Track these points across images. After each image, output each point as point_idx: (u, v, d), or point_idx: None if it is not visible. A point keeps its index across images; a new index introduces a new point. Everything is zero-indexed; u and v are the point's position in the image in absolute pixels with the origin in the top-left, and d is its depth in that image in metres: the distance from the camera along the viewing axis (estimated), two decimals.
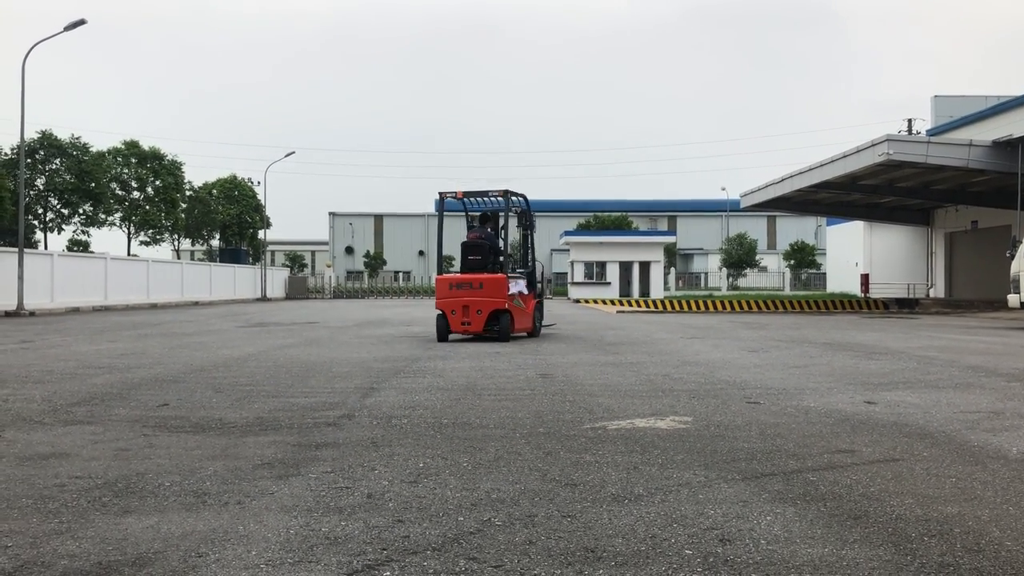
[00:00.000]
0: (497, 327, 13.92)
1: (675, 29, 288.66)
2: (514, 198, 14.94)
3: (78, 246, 46.71)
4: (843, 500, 3.70)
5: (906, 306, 32.58)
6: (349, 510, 3.54)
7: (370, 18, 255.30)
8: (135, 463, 4.46)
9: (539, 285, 15.73)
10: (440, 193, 14.61)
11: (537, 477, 4.12)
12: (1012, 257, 19.47)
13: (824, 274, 56.44)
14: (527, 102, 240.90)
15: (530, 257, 15.81)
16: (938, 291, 37.06)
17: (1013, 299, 19.28)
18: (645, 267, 44.62)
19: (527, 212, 15.47)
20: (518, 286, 14.53)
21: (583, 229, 61.81)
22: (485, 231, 14.74)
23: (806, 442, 5.02)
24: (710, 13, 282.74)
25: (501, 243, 14.68)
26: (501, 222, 14.76)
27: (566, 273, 58.56)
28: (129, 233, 48.66)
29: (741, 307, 31.76)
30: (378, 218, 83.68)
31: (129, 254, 45.78)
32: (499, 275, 14.10)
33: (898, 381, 8.19)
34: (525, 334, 14.88)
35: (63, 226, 43.49)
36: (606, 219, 65.58)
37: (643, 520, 3.39)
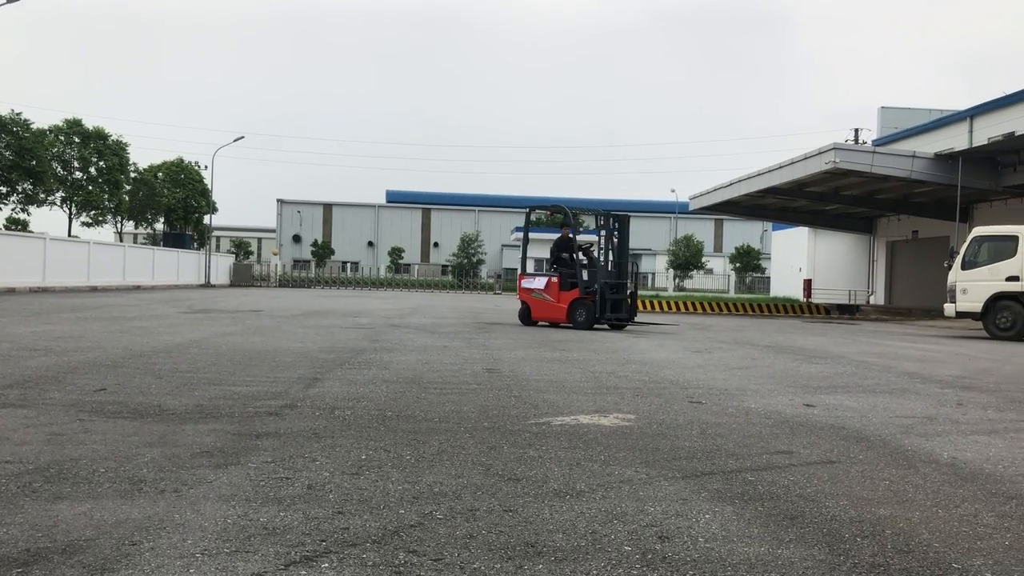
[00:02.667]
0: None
1: (636, 32, 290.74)
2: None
3: (16, 225, 45.54)
4: (780, 500, 3.76)
5: (847, 312, 33.25)
6: (288, 501, 3.50)
7: (330, 3, 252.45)
8: (69, 448, 4.36)
9: (580, 283, 17.05)
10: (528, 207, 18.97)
11: (480, 471, 4.12)
12: (949, 267, 19.98)
13: (768, 278, 57.33)
14: (485, 98, 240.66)
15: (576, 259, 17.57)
16: (878, 298, 37.90)
17: (949, 308, 19.79)
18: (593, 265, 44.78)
19: (572, 225, 17.78)
20: (537, 283, 17.40)
21: (534, 226, 61.98)
22: (562, 240, 17.72)
23: (746, 442, 5.10)
24: (672, 17, 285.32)
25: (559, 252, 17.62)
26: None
27: (516, 269, 58.65)
28: (70, 214, 47.58)
29: (686, 308, 32.11)
30: (327, 207, 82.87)
31: (70, 235, 44.73)
32: (522, 275, 18.17)
33: (837, 385, 8.35)
34: (570, 324, 16.85)
35: (0, 204, 42.34)
36: (557, 216, 65.84)
37: (584, 516, 3.41)
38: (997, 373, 10.18)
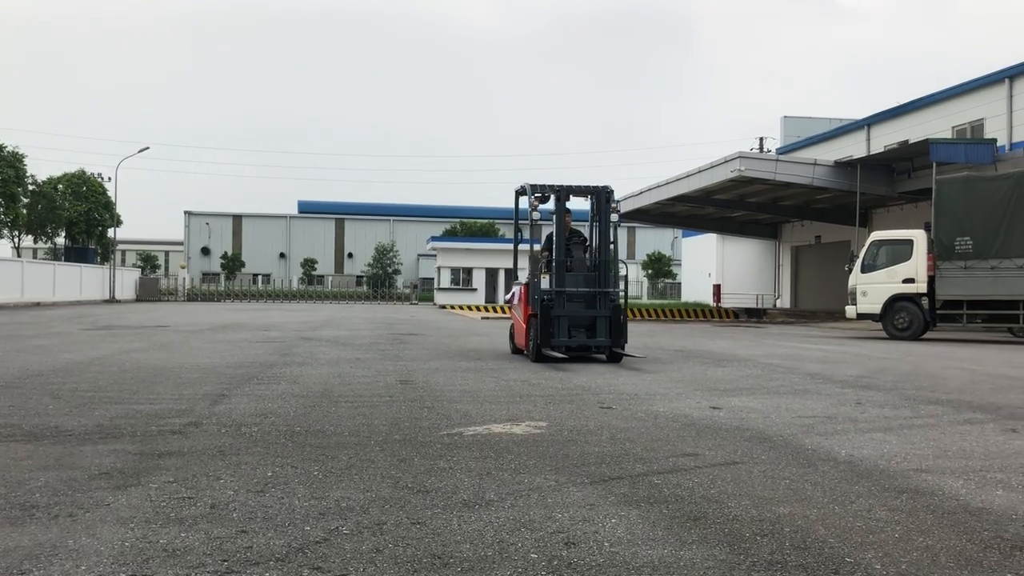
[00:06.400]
0: None
1: (542, 40, 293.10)
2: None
3: None
4: (684, 502, 3.84)
5: (754, 315, 34.14)
6: (190, 521, 3.41)
7: (232, 9, 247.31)
8: None
9: (537, 292, 11.48)
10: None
11: (389, 484, 4.09)
12: (850, 271, 20.72)
13: (680, 284, 58.48)
14: (395, 106, 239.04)
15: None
16: (784, 302, 39.03)
17: (850, 310, 20.53)
18: (511, 274, 45.01)
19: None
20: (512, 292, 12.70)
21: (450, 235, 61.93)
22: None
23: (653, 446, 5.18)
24: (577, 25, 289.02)
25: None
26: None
27: (433, 279, 58.62)
28: None
29: None
30: (237, 218, 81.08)
31: None
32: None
33: (743, 387, 8.57)
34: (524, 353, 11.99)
35: None
36: (473, 225, 65.91)
37: (492, 525, 3.41)
38: (894, 372, 10.59)
